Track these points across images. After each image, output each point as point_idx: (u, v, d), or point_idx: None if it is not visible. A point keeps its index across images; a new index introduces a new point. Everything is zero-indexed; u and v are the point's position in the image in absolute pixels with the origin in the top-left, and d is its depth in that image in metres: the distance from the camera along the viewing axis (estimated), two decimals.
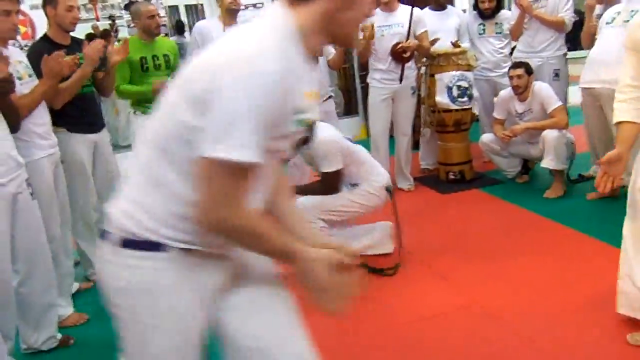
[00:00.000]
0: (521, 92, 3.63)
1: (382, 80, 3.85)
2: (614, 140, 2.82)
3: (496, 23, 4.24)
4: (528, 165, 4.05)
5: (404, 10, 3.79)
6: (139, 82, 3.23)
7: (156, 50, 3.29)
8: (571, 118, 3.92)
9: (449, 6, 4.36)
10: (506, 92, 3.82)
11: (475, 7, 4.31)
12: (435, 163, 4.36)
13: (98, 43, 2.72)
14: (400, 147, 4.05)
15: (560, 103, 3.61)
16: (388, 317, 2.37)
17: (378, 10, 3.80)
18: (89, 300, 2.79)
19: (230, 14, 3.43)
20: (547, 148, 3.55)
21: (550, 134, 3.54)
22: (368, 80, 3.99)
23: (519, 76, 3.59)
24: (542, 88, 3.65)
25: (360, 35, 3.74)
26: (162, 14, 5.76)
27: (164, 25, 5.87)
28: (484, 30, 4.27)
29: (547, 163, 3.57)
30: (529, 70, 3.62)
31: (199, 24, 3.63)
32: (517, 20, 3.99)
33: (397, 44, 3.71)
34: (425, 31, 3.80)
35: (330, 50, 3.76)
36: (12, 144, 2.14)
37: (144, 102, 3.27)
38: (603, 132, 3.35)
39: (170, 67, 3.35)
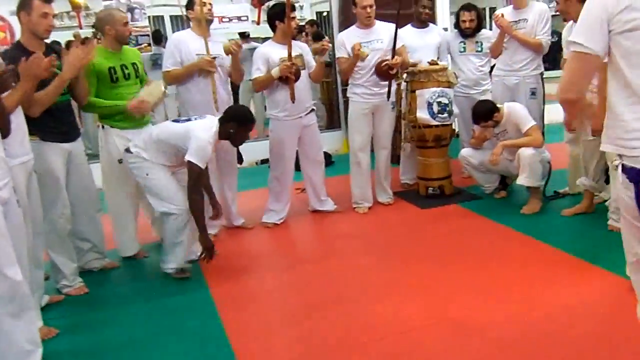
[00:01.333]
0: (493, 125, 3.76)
1: (363, 95, 3.88)
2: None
3: (476, 42, 4.33)
4: (506, 182, 4.10)
5: (381, 26, 3.85)
6: (108, 93, 3.07)
7: (124, 60, 3.15)
8: (548, 136, 4.00)
9: (431, 24, 4.44)
10: None
11: (457, 25, 4.39)
12: (414, 178, 4.39)
13: (80, 51, 2.69)
14: (380, 160, 4.07)
15: (534, 123, 3.68)
16: (363, 330, 2.36)
17: (356, 28, 3.88)
18: (59, 314, 2.73)
19: (204, 25, 3.40)
20: (523, 165, 3.61)
21: (525, 152, 3.59)
22: (348, 95, 4.02)
23: None
24: (514, 109, 3.72)
25: (341, 54, 3.78)
26: (145, 24, 5.76)
27: (147, 35, 5.85)
28: (464, 48, 4.36)
29: (523, 180, 3.62)
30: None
31: (175, 36, 3.58)
32: (497, 40, 4.06)
33: (382, 61, 3.74)
34: (403, 45, 3.88)
35: (312, 64, 3.79)
36: (2, 147, 2.10)
37: (114, 115, 3.14)
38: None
39: (139, 77, 3.25)
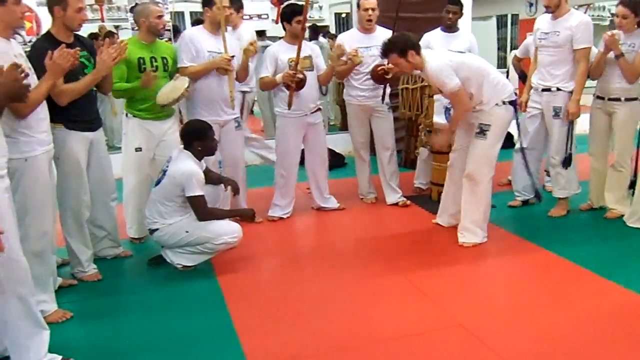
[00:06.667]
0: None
1: (358, 97, 3.98)
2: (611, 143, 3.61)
3: None
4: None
5: (381, 32, 3.89)
6: (134, 82, 3.19)
7: (155, 53, 3.28)
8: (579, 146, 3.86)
9: (461, 29, 4.36)
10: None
11: None
12: (428, 183, 4.39)
13: (113, 51, 2.77)
14: (383, 161, 4.12)
15: (589, 45, 3.46)
16: (370, 332, 2.37)
17: (357, 32, 3.95)
18: (72, 299, 2.78)
19: (224, 25, 3.42)
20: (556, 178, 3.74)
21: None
22: (344, 97, 4.11)
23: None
24: (584, 20, 3.48)
25: (344, 58, 3.79)
26: (167, 19, 5.84)
27: (169, 29, 5.93)
28: None
29: (559, 193, 3.77)
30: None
31: (188, 32, 3.56)
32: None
33: (378, 65, 3.79)
34: None
35: (321, 66, 3.82)
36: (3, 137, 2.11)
37: (137, 104, 3.26)
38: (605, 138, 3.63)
39: (168, 71, 3.34)
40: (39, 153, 2.40)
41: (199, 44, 3.43)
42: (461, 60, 3.17)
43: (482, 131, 3.19)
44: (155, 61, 3.27)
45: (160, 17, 3.25)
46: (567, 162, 3.63)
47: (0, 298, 1.98)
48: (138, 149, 3.31)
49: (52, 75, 2.39)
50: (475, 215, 3.29)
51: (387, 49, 3.18)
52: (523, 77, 4.42)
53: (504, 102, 3.19)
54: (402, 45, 3.12)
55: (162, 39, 5.30)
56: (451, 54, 3.23)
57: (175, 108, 3.45)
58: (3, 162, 2.03)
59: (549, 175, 4.22)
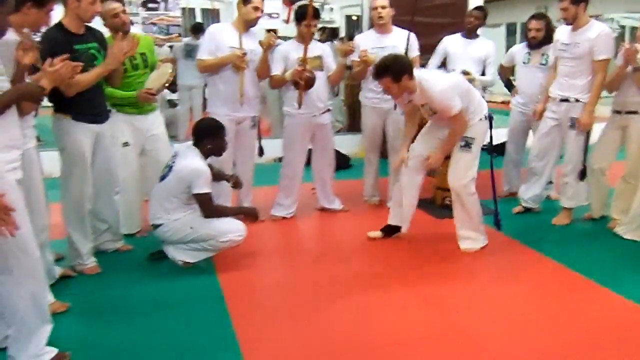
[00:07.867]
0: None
1: (373, 99, 3.94)
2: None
3: (542, 54, 4.03)
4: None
5: (398, 33, 3.86)
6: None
7: None
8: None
9: (481, 36, 4.35)
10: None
11: (525, 35, 4.20)
12: (433, 187, 4.36)
13: (125, 45, 2.78)
14: (394, 164, 4.08)
15: (610, 56, 3.41)
16: (370, 337, 2.36)
17: (373, 32, 3.92)
18: (71, 291, 2.77)
19: (248, 25, 3.49)
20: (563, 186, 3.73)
21: (569, 178, 3.66)
22: (360, 98, 4.09)
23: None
24: (604, 32, 3.40)
25: (355, 57, 3.78)
26: (177, 15, 5.85)
27: (179, 25, 5.94)
28: (528, 59, 4.11)
29: (567, 203, 3.74)
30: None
31: (213, 27, 3.64)
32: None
33: None
34: (417, 56, 3.88)
35: (331, 66, 3.81)
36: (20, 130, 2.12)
37: (124, 104, 3.24)
38: (612, 151, 3.60)
39: (148, 66, 3.32)
40: (33, 146, 2.39)
41: (221, 39, 3.45)
42: (455, 81, 3.17)
43: (468, 144, 3.22)
44: (135, 59, 3.21)
45: (115, 15, 3.07)
46: (582, 174, 3.62)
47: (14, 290, 1.97)
48: (125, 144, 3.30)
49: (51, 82, 2.37)
50: (469, 225, 3.31)
51: (381, 71, 3.02)
52: (508, 87, 4.40)
53: (485, 117, 3.26)
54: (397, 70, 2.97)
55: (171, 34, 5.32)
56: (446, 75, 3.17)
57: (157, 104, 3.44)
58: (17, 154, 2.01)
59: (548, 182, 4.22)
